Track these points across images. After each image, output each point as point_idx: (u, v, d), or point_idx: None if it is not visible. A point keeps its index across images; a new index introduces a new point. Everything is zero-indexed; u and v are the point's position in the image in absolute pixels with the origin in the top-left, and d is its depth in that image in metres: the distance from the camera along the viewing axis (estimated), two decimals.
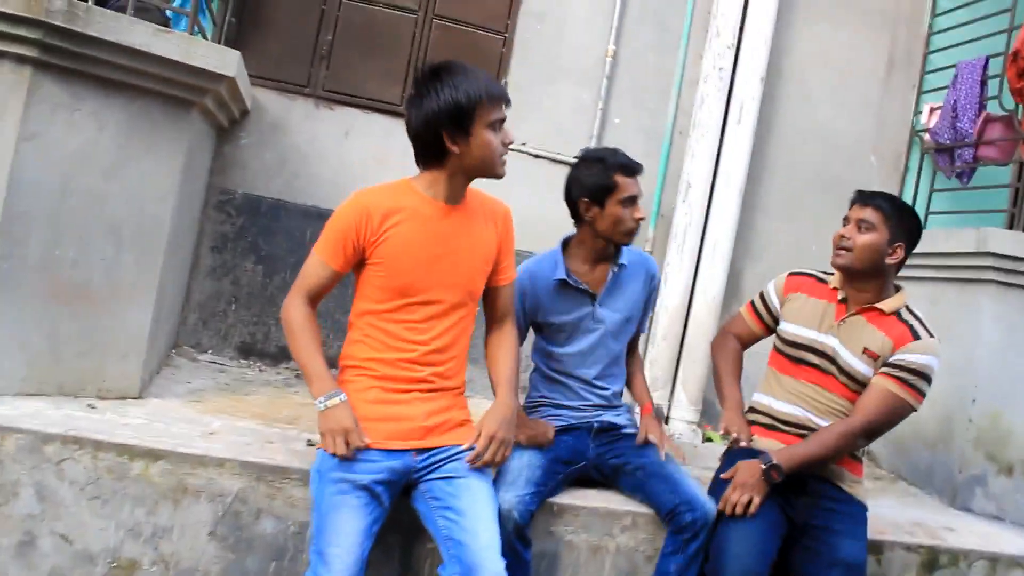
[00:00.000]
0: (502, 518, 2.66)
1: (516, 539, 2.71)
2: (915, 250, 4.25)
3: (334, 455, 2.47)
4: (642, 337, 3.53)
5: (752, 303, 3.28)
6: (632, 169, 2.97)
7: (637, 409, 3.22)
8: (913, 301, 3.05)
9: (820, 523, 2.91)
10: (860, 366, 2.94)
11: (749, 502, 2.80)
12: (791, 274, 3.20)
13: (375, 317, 2.62)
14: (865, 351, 2.93)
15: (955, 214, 4.78)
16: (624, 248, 3.11)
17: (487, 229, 2.71)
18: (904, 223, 2.96)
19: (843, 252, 2.96)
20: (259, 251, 4.30)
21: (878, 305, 2.97)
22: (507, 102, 2.59)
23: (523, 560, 2.76)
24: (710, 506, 2.84)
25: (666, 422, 4.61)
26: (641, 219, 3.00)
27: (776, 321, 3.19)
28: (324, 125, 4.41)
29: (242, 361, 4.27)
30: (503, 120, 2.57)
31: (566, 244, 3.13)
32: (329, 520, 2.40)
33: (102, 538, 2.69)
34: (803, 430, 3.00)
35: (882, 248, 2.93)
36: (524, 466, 2.85)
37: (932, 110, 4.93)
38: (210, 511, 2.74)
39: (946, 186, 4.87)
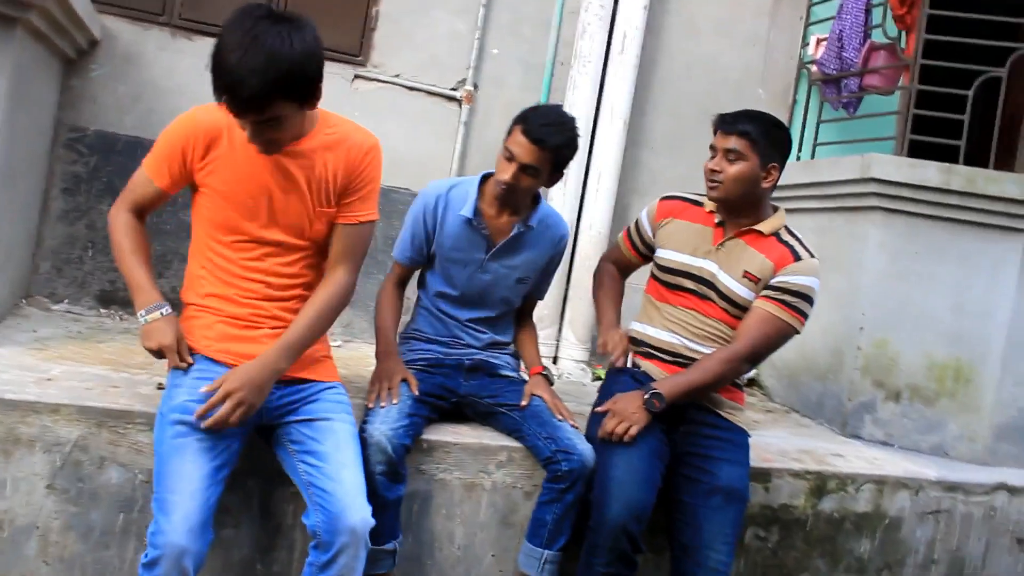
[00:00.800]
0: (373, 452, 2.53)
1: (388, 475, 2.56)
2: (801, 181, 4.29)
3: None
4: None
5: (628, 231, 3.19)
6: None
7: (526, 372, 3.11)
8: (801, 232, 2.95)
9: (700, 451, 2.84)
10: (740, 290, 2.86)
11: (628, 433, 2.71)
12: (663, 199, 3.10)
13: (211, 251, 2.43)
14: (745, 274, 2.85)
15: (844, 144, 4.75)
16: (541, 205, 2.97)
17: (330, 165, 2.42)
18: (774, 142, 2.83)
19: (716, 184, 2.84)
20: (116, 192, 3.86)
21: (757, 227, 2.88)
22: (244, 113, 2.15)
23: (396, 498, 2.62)
24: (588, 454, 2.72)
25: (554, 362, 4.49)
26: None
27: (651, 249, 3.10)
28: (182, 57, 4.11)
29: (102, 310, 3.98)
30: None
31: (484, 180, 2.94)
32: (169, 465, 2.20)
33: None
34: (680, 358, 2.92)
35: (755, 175, 2.82)
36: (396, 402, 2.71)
37: (819, 41, 4.91)
38: (46, 462, 2.50)
39: (834, 117, 4.86)
